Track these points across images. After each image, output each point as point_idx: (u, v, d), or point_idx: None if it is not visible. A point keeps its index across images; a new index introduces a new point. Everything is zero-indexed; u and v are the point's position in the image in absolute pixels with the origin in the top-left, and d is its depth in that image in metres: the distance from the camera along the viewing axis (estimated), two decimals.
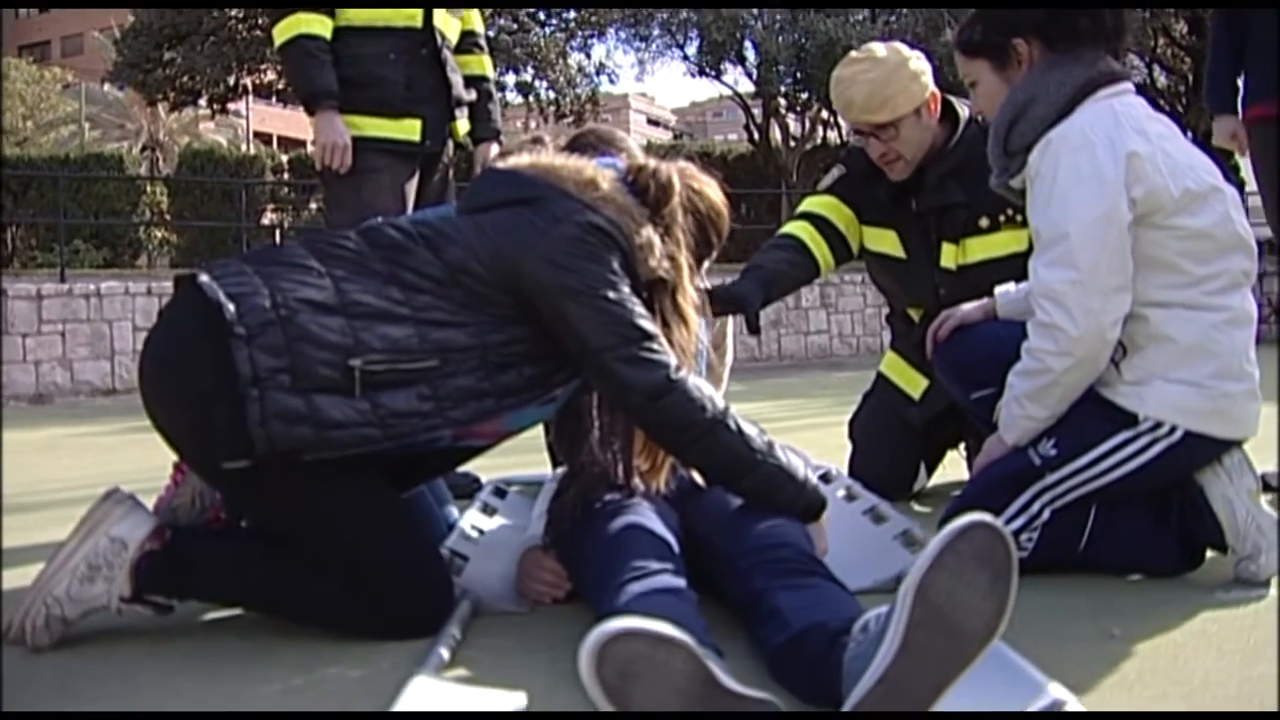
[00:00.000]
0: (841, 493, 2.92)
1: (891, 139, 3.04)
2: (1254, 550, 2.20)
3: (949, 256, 3.12)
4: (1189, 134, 19.74)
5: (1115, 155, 2.19)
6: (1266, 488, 3.19)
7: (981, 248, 3.08)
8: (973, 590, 1.40)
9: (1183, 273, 2.22)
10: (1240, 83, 3.38)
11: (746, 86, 22.66)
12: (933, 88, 3.06)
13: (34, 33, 49.79)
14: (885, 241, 3.22)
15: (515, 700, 1.64)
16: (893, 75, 3.00)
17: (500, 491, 3.15)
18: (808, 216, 3.27)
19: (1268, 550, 2.19)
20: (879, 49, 3.07)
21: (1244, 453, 2.28)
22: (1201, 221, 2.22)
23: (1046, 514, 2.28)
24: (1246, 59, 3.30)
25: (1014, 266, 2.73)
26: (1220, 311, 2.23)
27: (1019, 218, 2.84)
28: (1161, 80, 21.42)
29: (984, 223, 3.06)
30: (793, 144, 22.43)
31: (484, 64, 3.80)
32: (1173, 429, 2.21)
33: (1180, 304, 2.21)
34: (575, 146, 2.32)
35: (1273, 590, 2.18)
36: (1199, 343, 2.20)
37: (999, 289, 2.57)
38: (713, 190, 2.25)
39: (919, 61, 3.06)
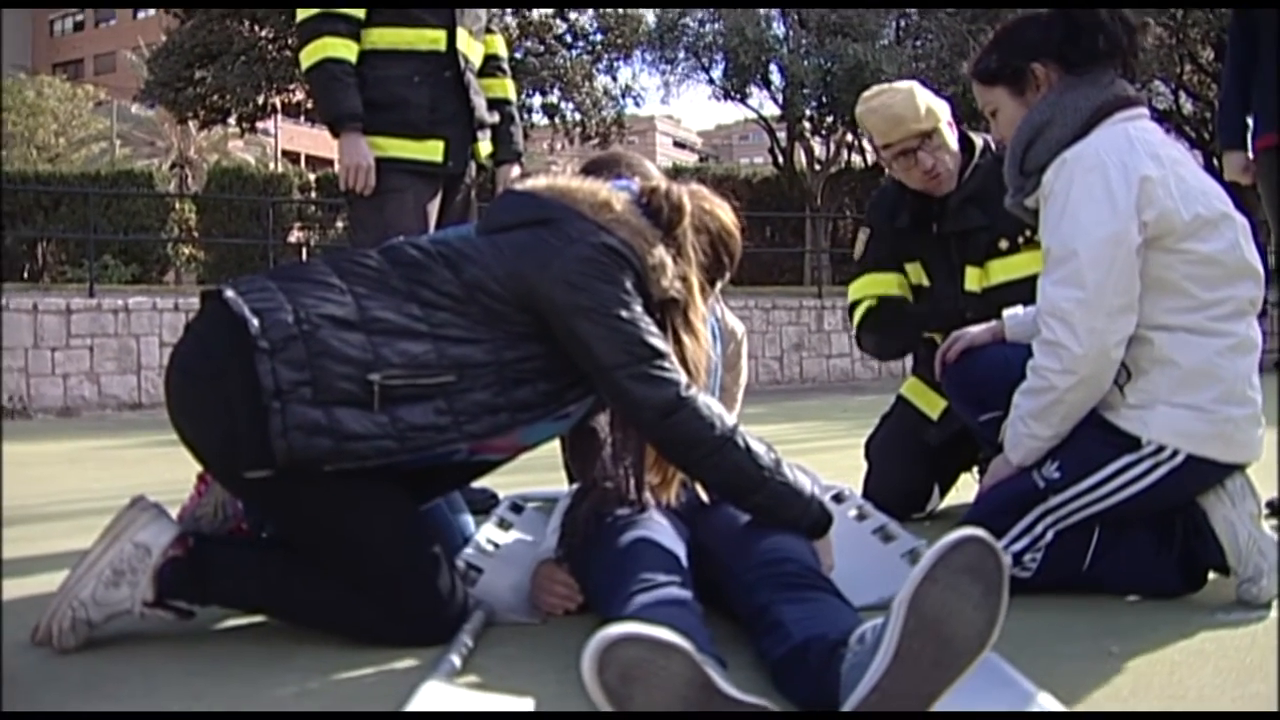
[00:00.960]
0: (853, 513, 2.96)
1: (938, 148, 3.15)
2: (1255, 572, 2.23)
3: (973, 280, 3.19)
4: (1214, 160, 19.73)
5: (1128, 178, 2.22)
6: (1272, 512, 3.22)
7: (1003, 270, 3.14)
8: (965, 602, 1.45)
9: (1189, 296, 2.25)
10: (1251, 118, 3.40)
11: (772, 110, 22.78)
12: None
13: (68, 50, 50.47)
14: (912, 273, 3.31)
15: (523, 706, 1.69)
16: (916, 90, 3.15)
17: (517, 507, 3.20)
18: (881, 301, 3.33)
19: (1269, 573, 2.22)
20: (891, 84, 3.23)
21: (1247, 476, 2.31)
22: (1211, 247, 2.25)
23: (1050, 535, 2.32)
24: (1254, 90, 3.32)
25: (1032, 289, 2.78)
26: (1225, 337, 2.26)
27: (1037, 238, 2.89)
28: (1188, 107, 21.39)
29: (1004, 245, 3.13)
30: (817, 168, 22.51)
31: (507, 87, 3.87)
32: (1175, 453, 2.24)
33: (1185, 328, 2.24)
34: (592, 169, 2.38)
35: (1273, 612, 2.21)
36: (1202, 367, 2.23)
37: (1007, 312, 2.61)
38: (724, 212, 2.30)
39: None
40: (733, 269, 2.35)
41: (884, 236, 3.34)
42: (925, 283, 3.29)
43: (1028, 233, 3.00)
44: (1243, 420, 2.27)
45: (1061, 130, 2.33)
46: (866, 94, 3.24)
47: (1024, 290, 2.89)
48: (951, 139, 3.18)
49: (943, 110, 3.18)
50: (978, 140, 3.23)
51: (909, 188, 3.25)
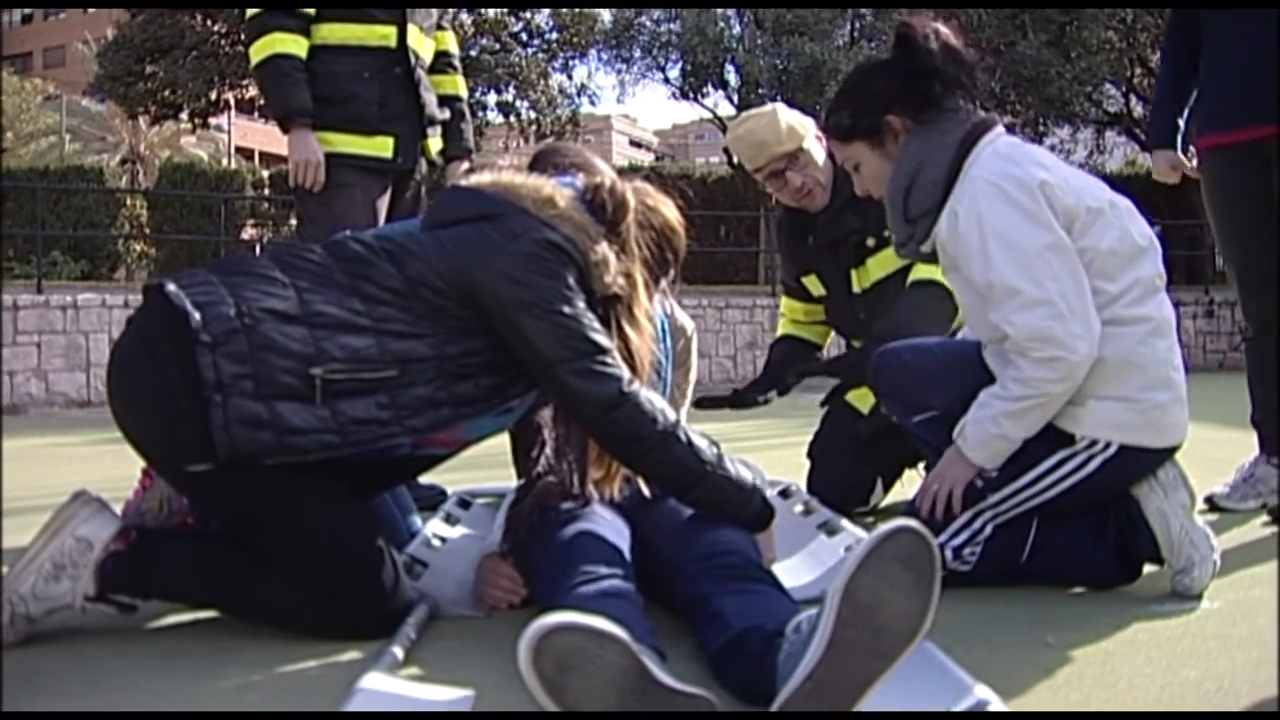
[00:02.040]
0: (799, 508, 2.99)
1: (805, 166, 3.26)
2: (1187, 563, 2.27)
3: (858, 281, 3.33)
4: None
5: (1029, 190, 2.26)
6: (1212, 508, 3.28)
7: (879, 266, 3.26)
8: (898, 591, 1.47)
9: (1100, 293, 2.29)
10: (1183, 120, 3.43)
11: (727, 109, 22.80)
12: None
13: (16, 44, 49.72)
14: (816, 286, 3.45)
15: (464, 698, 1.70)
16: (779, 113, 3.27)
17: (464, 503, 3.20)
18: (788, 341, 3.66)
19: (1200, 564, 2.27)
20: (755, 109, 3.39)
21: (1179, 468, 2.35)
22: (1106, 242, 2.29)
23: (989, 529, 2.35)
24: (1200, 85, 3.34)
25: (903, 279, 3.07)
26: (1142, 324, 2.30)
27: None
28: (1138, 110, 21.65)
29: (871, 242, 3.24)
30: None
31: (457, 84, 3.88)
32: (1108, 445, 2.28)
33: (1103, 322, 2.28)
34: (537, 164, 2.39)
35: (1204, 603, 2.26)
36: (1125, 358, 2.27)
37: (956, 432, 2.51)
38: (668, 208, 2.32)
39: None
40: (678, 265, 2.37)
41: (787, 253, 3.52)
42: (823, 291, 3.42)
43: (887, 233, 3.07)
44: (1168, 404, 2.32)
45: (935, 170, 2.36)
46: (734, 122, 3.41)
47: (897, 283, 3.17)
48: (819, 154, 3.26)
49: (807, 128, 3.27)
50: None
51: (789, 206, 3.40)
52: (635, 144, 65.63)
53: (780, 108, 3.31)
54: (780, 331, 3.70)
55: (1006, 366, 2.31)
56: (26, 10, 50.16)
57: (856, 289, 3.33)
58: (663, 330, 2.85)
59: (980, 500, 2.35)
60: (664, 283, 2.46)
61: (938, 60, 2.37)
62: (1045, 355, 2.23)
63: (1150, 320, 2.32)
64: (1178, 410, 2.34)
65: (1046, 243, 2.24)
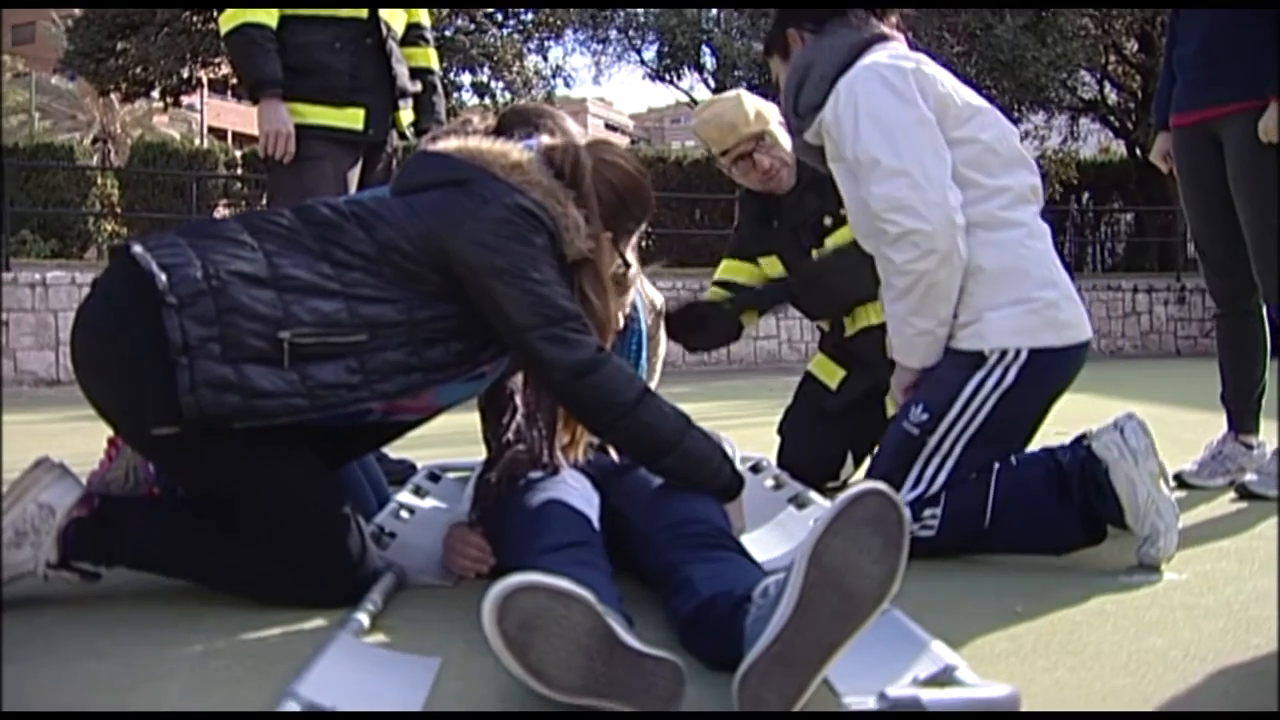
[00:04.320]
0: (770, 482, 3.00)
1: (771, 147, 3.32)
2: (1152, 532, 2.28)
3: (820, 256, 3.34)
4: (1136, 150, 20.06)
5: (902, 75, 2.41)
6: (1181, 485, 3.30)
7: (838, 239, 3.27)
8: (865, 554, 1.46)
9: (976, 186, 2.40)
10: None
11: (704, 92, 22.76)
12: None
13: None
14: (775, 267, 3.45)
15: (428, 665, 1.69)
16: (743, 97, 3.34)
17: (434, 476, 3.19)
18: (720, 284, 3.54)
19: (1165, 533, 2.27)
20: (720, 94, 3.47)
21: (1150, 439, 2.36)
22: (988, 135, 2.44)
23: (941, 478, 2.39)
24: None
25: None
26: (1017, 228, 2.42)
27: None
28: (1112, 97, 21.74)
29: (828, 221, 3.28)
30: None
31: (429, 56, 3.85)
32: (1017, 352, 2.37)
33: (979, 224, 2.38)
34: (502, 127, 2.36)
35: (1171, 574, 2.27)
36: (1008, 264, 2.39)
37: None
38: (625, 162, 2.30)
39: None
40: (646, 216, 2.34)
41: (746, 229, 3.55)
42: (782, 271, 3.42)
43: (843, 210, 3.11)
44: (1060, 301, 2.42)
45: (825, 68, 2.51)
46: (698, 108, 3.46)
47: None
48: (784, 138, 3.27)
49: (772, 112, 3.31)
50: None
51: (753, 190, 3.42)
52: (611, 127, 65.35)
53: (744, 93, 3.36)
54: (708, 296, 3.51)
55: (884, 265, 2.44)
56: None
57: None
58: (640, 307, 2.83)
59: (922, 447, 2.40)
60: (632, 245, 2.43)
61: None
62: (900, 230, 2.34)
63: (1025, 225, 2.44)
64: (1071, 307, 2.44)
65: (912, 119, 2.38)
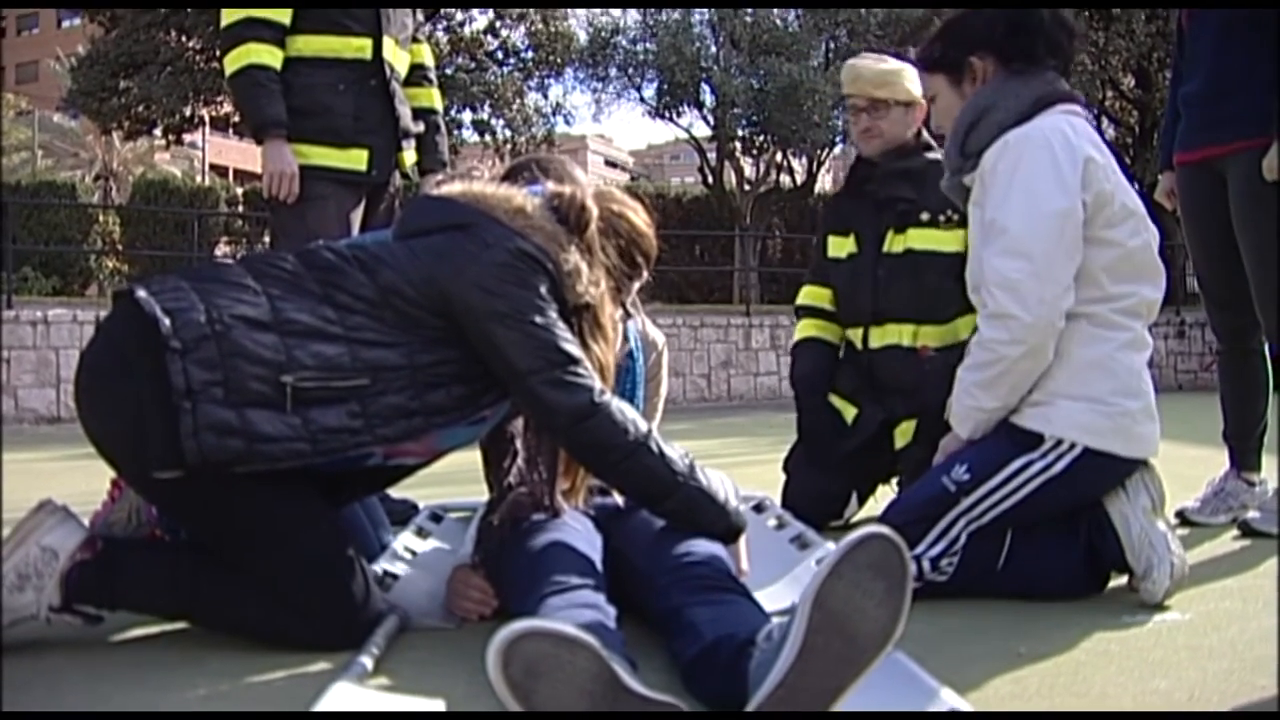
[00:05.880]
0: (772, 522, 2.99)
1: (880, 117, 3.44)
2: (1148, 566, 2.28)
3: (892, 243, 3.38)
4: (1135, 185, 20.17)
5: (1073, 157, 2.33)
6: (1184, 522, 3.30)
7: (921, 239, 3.32)
8: (869, 598, 1.47)
9: (1099, 286, 2.34)
10: None
11: (703, 130, 22.88)
12: (923, 102, 3.29)
13: None
14: (844, 246, 3.51)
15: (432, 708, 1.69)
16: (901, 71, 3.43)
17: (436, 517, 3.18)
18: (802, 309, 3.69)
19: (1158, 565, 2.27)
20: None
21: (1144, 472, 2.36)
22: (1134, 241, 2.36)
23: (964, 537, 2.36)
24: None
25: (947, 264, 3.12)
26: (1123, 331, 2.35)
27: (957, 217, 3.07)
28: (1110, 132, 21.82)
29: (925, 216, 3.32)
30: (747, 187, 22.62)
31: (432, 96, 3.87)
32: (1073, 445, 2.32)
33: (1087, 317, 2.33)
34: (511, 175, 2.38)
35: (1175, 614, 2.27)
36: (1098, 360, 2.32)
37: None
38: (634, 213, 2.32)
39: (918, 83, 3.29)
40: (649, 269, 2.37)
41: (832, 208, 3.74)
42: (853, 251, 3.47)
43: (949, 212, 3.18)
44: (1138, 413, 2.35)
45: (1003, 115, 2.42)
46: (875, 56, 3.62)
47: (937, 263, 3.23)
48: (903, 119, 3.43)
49: (909, 94, 3.39)
50: (936, 147, 3.44)
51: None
52: (611, 164, 65.68)
53: (907, 68, 3.41)
54: (800, 335, 3.67)
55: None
56: None
57: (893, 249, 3.38)
58: (637, 348, 2.84)
59: (955, 505, 2.36)
60: (634, 295, 2.45)
61: (1046, 20, 2.47)
62: (1000, 309, 2.30)
63: (1133, 332, 2.37)
64: (1147, 422, 2.37)
65: (1062, 208, 2.30)
